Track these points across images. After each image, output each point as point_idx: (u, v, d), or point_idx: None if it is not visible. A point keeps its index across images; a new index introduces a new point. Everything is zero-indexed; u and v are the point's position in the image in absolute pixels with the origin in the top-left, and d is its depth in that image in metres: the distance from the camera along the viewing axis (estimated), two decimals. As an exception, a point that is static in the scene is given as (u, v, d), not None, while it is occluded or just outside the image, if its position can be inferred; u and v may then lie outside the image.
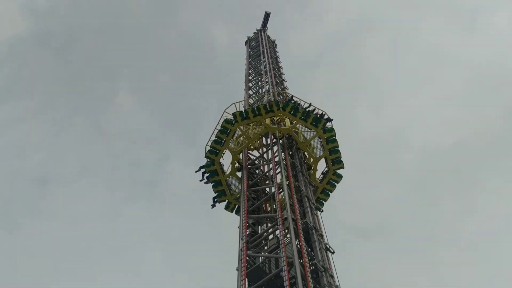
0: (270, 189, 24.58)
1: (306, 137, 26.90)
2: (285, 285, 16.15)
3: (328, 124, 26.43)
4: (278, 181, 23.44)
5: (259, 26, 55.56)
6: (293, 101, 27.12)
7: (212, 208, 26.95)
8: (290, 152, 26.69)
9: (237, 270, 18.69)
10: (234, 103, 27.94)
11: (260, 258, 19.85)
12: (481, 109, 78.65)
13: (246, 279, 18.11)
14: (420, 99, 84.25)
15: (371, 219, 71.79)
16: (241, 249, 19.62)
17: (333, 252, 19.96)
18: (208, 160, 26.62)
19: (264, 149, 28.61)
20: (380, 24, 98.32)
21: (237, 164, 26.96)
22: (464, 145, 76.87)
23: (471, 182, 74.67)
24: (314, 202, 23.39)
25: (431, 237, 66.69)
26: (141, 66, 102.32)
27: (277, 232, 20.39)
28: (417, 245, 66.86)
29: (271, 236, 21.21)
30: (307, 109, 26.64)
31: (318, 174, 27.01)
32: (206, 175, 26.73)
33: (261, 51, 46.17)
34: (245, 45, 52.41)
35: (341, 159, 26.45)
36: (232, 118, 26.63)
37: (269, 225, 22.40)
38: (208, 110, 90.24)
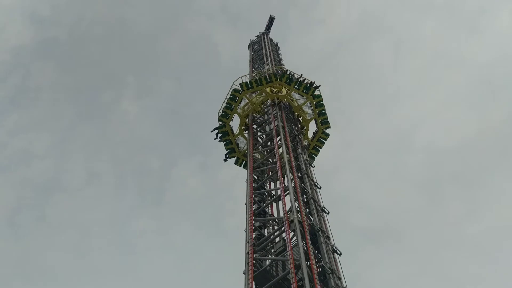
0: (276, 192, 24.63)
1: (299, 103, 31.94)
2: (292, 287, 16.09)
3: (317, 92, 31.49)
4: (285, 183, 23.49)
5: (262, 31, 55.48)
6: (288, 73, 32.58)
7: (224, 162, 32.16)
8: (294, 155, 26.73)
9: (244, 273, 18.61)
10: (241, 77, 33.42)
11: (267, 261, 19.75)
12: (485, 110, 78.30)
13: (253, 282, 18.04)
14: (424, 101, 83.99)
15: (377, 221, 71.54)
16: (248, 253, 19.55)
17: (340, 254, 19.89)
18: (221, 123, 31.79)
19: (269, 150, 28.66)
20: (383, 26, 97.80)
21: (244, 126, 32.02)
22: (469, 146, 76.53)
23: (477, 183, 74.25)
24: (320, 204, 23.30)
25: (437, 238, 66.36)
26: (145, 73, 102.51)
27: (284, 234, 20.32)
28: (423, 246, 66.59)
29: (277, 239, 21.13)
30: (299, 79, 31.78)
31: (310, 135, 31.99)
32: (219, 135, 31.75)
33: (264, 54, 46.06)
34: (248, 48, 52.39)
35: (328, 120, 31.51)
36: (240, 88, 31.90)
37: (275, 227, 22.33)
38: (213, 115, 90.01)
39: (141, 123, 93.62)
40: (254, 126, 31.50)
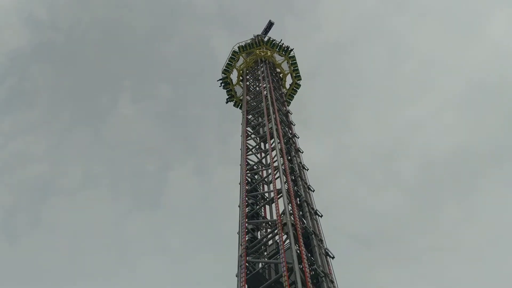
0: (269, 194, 24.59)
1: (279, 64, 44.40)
2: (285, 290, 16.03)
3: (292, 53, 44.32)
4: (278, 187, 23.43)
5: (258, 34, 55.64)
6: (271, 39, 45.62)
7: (226, 103, 44.62)
8: (288, 158, 26.72)
9: (236, 276, 18.56)
10: (238, 43, 45.57)
11: (260, 264, 19.69)
12: (480, 115, 78.36)
13: (246, 285, 17.98)
14: (419, 107, 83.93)
15: (372, 226, 71.44)
16: (241, 255, 19.50)
17: (333, 257, 19.84)
18: (224, 75, 44.28)
19: (263, 154, 28.68)
20: (379, 32, 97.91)
21: (240, 78, 43.82)
22: (464, 152, 76.53)
23: (472, 189, 74.18)
24: (313, 207, 23.27)
25: (432, 244, 66.26)
26: (141, 76, 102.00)
27: (277, 237, 20.26)
28: (418, 252, 66.44)
29: (270, 242, 21.07)
30: (279, 44, 44.73)
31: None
32: (222, 84, 44.18)
33: (259, 62, 46.12)
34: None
35: (299, 74, 44.05)
36: (238, 50, 44.65)
37: (269, 230, 22.26)
38: (209, 119, 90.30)
39: (137, 126, 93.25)
40: (248, 80, 42.03)
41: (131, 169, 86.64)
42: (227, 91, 44.20)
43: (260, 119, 32.76)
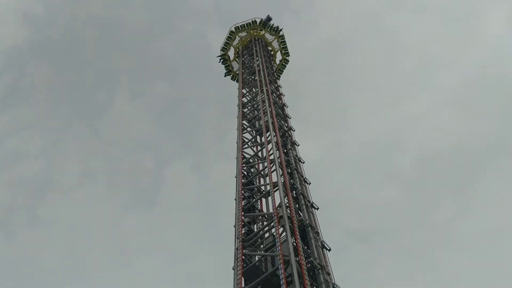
0: (265, 187, 24.56)
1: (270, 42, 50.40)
2: (281, 283, 16.05)
3: (281, 33, 50.15)
4: (274, 180, 23.41)
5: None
6: (263, 21, 50.61)
7: (224, 76, 50.33)
8: (284, 151, 26.67)
9: (233, 269, 18.55)
10: (235, 24, 51.39)
11: (256, 256, 19.68)
12: (477, 111, 78.40)
13: (243, 278, 17.97)
14: (416, 103, 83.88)
15: (369, 222, 71.51)
16: (237, 248, 19.49)
17: (330, 250, 19.86)
18: (222, 52, 50.09)
19: (259, 147, 28.63)
20: (376, 28, 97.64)
21: (236, 55, 49.19)
22: (461, 148, 76.54)
23: (468, 184, 74.30)
24: (309, 200, 23.23)
25: (429, 238, 66.41)
26: (139, 73, 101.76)
27: (273, 230, 20.23)
28: (415, 247, 66.58)
29: (267, 235, 21.05)
30: (271, 25, 50.21)
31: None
32: (221, 60, 49.90)
33: (254, 50, 46.35)
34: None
35: (288, 51, 49.96)
36: (234, 30, 50.23)
37: (265, 223, 22.22)
38: (206, 115, 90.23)
39: (134, 123, 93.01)
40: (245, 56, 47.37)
41: (129, 166, 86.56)
42: (225, 66, 49.85)
43: (256, 112, 32.68)
